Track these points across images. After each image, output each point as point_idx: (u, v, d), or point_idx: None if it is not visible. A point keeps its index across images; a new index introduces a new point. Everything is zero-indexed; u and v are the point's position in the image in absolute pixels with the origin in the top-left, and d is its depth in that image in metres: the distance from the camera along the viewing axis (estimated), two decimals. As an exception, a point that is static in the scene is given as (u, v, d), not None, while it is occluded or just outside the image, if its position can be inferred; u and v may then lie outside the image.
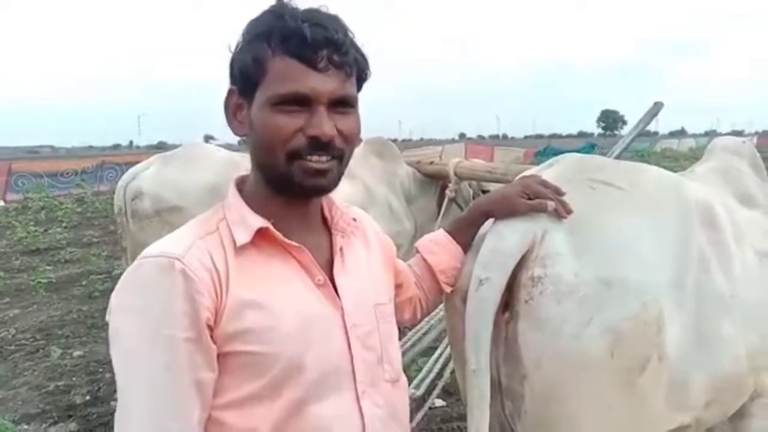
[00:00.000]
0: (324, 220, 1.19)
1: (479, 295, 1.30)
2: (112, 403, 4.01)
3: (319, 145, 1.03)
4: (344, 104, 1.06)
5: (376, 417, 1.08)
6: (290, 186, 1.06)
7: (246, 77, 1.04)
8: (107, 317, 1.02)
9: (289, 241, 1.06)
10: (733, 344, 1.57)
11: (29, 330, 5.64)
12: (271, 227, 1.05)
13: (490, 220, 1.41)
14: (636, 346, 1.30)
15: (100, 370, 4.65)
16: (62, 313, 6.14)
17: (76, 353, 4.99)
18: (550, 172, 1.55)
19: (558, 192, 1.37)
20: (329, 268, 1.12)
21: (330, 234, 1.17)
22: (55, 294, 6.86)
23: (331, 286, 1.10)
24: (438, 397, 3.46)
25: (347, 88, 1.05)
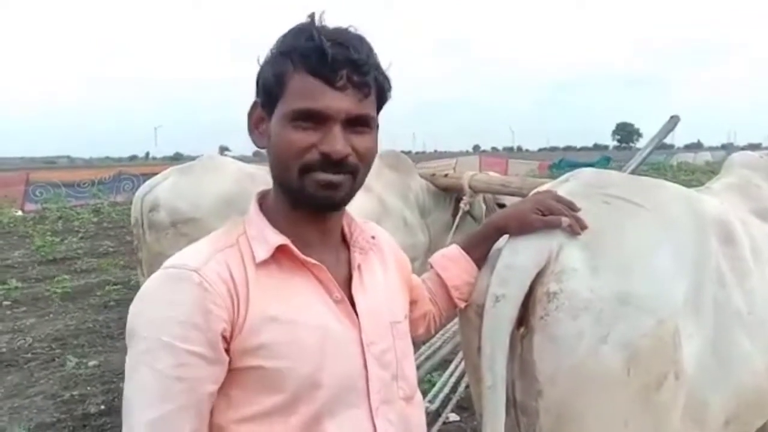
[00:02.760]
0: (343, 236, 1.19)
1: (495, 311, 1.30)
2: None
3: (330, 162, 1.04)
4: (360, 123, 1.06)
5: None
6: (303, 199, 1.08)
7: (268, 91, 1.06)
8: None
9: (307, 259, 1.07)
10: (751, 361, 1.55)
11: (45, 339, 5.69)
12: (290, 244, 1.06)
13: (505, 236, 1.41)
14: (652, 363, 1.29)
15: (115, 380, 4.68)
16: (78, 323, 6.19)
17: (91, 363, 5.03)
18: (565, 187, 1.55)
19: (572, 207, 1.37)
20: (347, 285, 1.13)
21: (348, 250, 1.18)
22: (71, 303, 6.92)
23: (348, 303, 1.10)
24: (452, 411, 3.44)
25: (364, 108, 1.06)
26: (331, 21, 1.07)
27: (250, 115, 1.13)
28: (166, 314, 0.97)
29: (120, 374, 4.74)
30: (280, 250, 1.06)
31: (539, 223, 1.33)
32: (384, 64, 1.10)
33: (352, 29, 1.07)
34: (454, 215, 3.78)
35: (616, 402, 1.28)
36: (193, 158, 3.85)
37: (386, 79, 1.10)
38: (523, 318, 1.32)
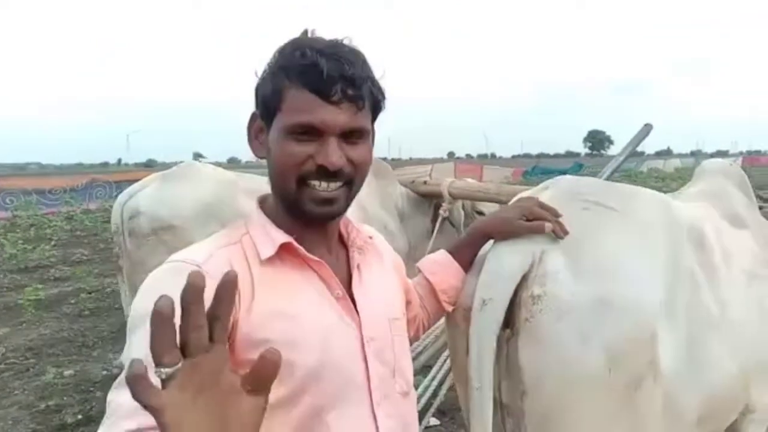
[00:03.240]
0: (340, 237, 1.23)
1: (483, 314, 1.34)
2: (106, 422, 4.00)
3: (327, 173, 1.08)
4: (356, 135, 1.10)
5: (388, 428, 1.12)
6: (300, 211, 1.11)
7: (266, 104, 1.10)
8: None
9: (310, 256, 1.11)
10: (723, 362, 1.62)
11: (19, 349, 5.59)
12: (295, 242, 1.10)
13: (491, 241, 1.45)
14: (632, 364, 1.34)
15: (92, 389, 4.63)
16: (52, 332, 6.09)
17: (67, 372, 4.95)
18: (546, 194, 1.60)
19: (555, 214, 1.42)
20: (347, 283, 1.17)
21: (347, 251, 1.22)
22: (44, 312, 6.79)
23: (349, 299, 1.14)
24: (433, 416, 3.48)
25: (359, 121, 1.10)
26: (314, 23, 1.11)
27: (250, 126, 1.16)
28: None
29: (97, 383, 4.72)
30: (284, 248, 1.10)
31: (524, 229, 1.38)
32: (377, 73, 1.14)
33: (346, 41, 1.11)
34: (434, 221, 3.84)
35: (598, 401, 1.33)
36: (166, 165, 3.85)
37: (380, 90, 1.14)
38: (509, 320, 1.36)
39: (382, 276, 1.26)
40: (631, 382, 1.34)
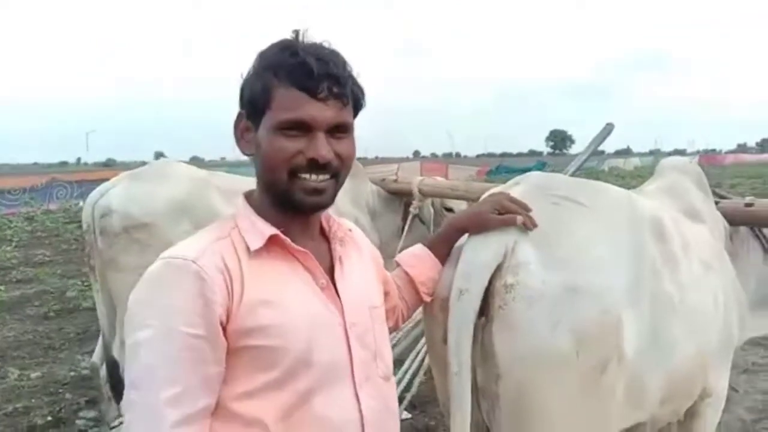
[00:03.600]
0: (321, 230, 1.29)
1: (460, 303, 1.42)
2: (77, 422, 3.97)
3: (317, 165, 1.14)
4: (341, 130, 1.17)
5: (371, 408, 1.18)
6: (290, 202, 1.17)
7: (254, 104, 1.15)
8: (125, 316, 1.09)
9: (296, 247, 1.17)
10: (683, 346, 1.72)
11: (-18, 351, 5.49)
12: (281, 234, 1.16)
13: (466, 235, 1.53)
14: (598, 348, 1.43)
15: (60, 390, 4.57)
16: (17, 334, 5.98)
17: (34, 375, 4.88)
18: (516, 189, 1.68)
19: (525, 207, 1.50)
20: (329, 273, 1.22)
21: (328, 242, 1.27)
22: (7, 314, 6.66)
23: (332, 289, 1.20)
24: (405, 409, 3.54)
25: (344, 116, 1.17)
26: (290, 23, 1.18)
27: (236, 125, 1.21)
28: (170, 302, 1.05)
29: (66, 384, 4.67)
30: (272, 240, 1.15)
31: (496, 222, 1.46)
32: (355, 73, 1.21)
33: (326, 44, 1.18)
34: (404, 219, 3.92)
35: (566, 383, 1.41)
36: (126, 164, 3.83)
37: (360, 89, 1.21)
38: (483, 308, 1.44)
39: (362, 267, 1.32)
40: (598, 364, 1.43)
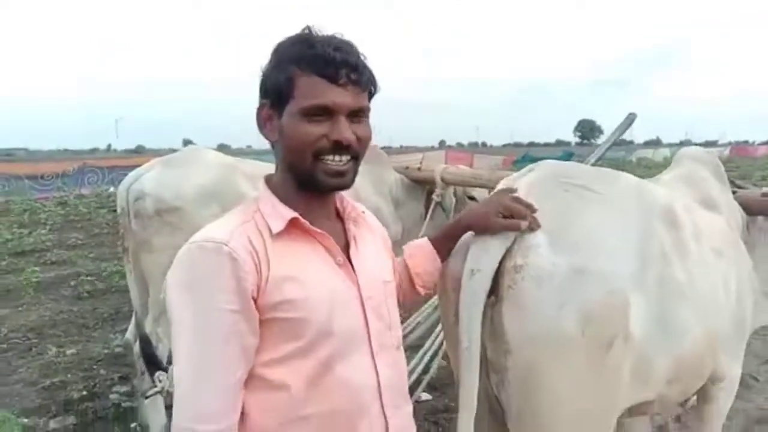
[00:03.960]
0: (337, 211, 1.39)
1: (472, 283, 1.51)
2: (111, 396, 4.15)
3: (340, 147, 1.24)
4: (359, 114, 1.27)
5: (386, 374, 1.29)
6: (314, 183, 1.27)
7: (278, 92, 1.25)
8: (161, 295, 1.20)
9: (315, 229, 1.27)
10: (690, 329, 1.78)
11: (20, 329, 5.71)
12: (301, 217, 1.26)
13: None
14: (603, 327, 1.50)
15: (95, 367, 4.77)
16: (52, 313, 6.22)
17: (69, 351, 5.08)
18: (529, 176, 1.76)
19: (531, 208, 1.55)
20: (345, 251, 1.32)
21: (342, 222, 1.37)
22: (43, 295, 6.92)
23: (349, 265, 1.30)
24: (424, 391, 3.64)
25: (362, 101, 1.27)
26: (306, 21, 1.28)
27: (259, 114, 1.31)
28: (208, 283, 1.16)
29: (100, 361, 4.87)
30: (292, 222, 1.25)
31: (500, 226, 1.52)
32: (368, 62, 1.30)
33: (339, 35, 1.27)
34: (427, 207, 3.99)
35: (572, 359, 1.49)
36: (155, 151, 3.96)
37: (373, 76, 1.30)
38: (493, 288, 1.52)
39: (374, 245, 1.42)
40: (604, 343, 1.50)
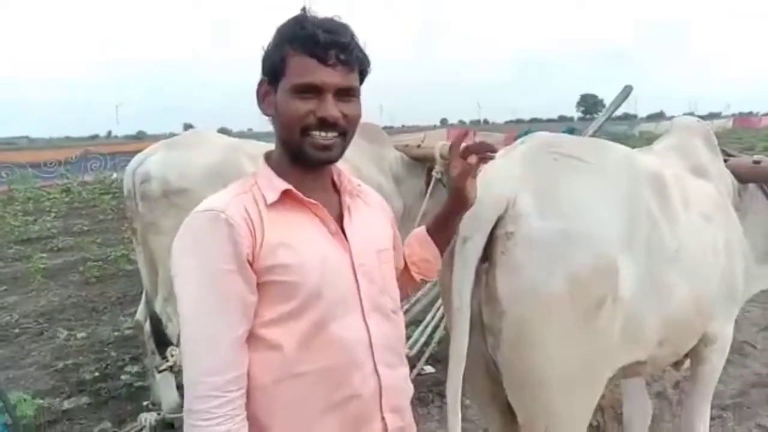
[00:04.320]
0: (334, 184, 1.46)
1: (464, 249, 1.60)
2: (123, 377, 4.26)
3: (326, 123, 1.30)
4: (348, 93, 1.33)
5: (378, 333, 1.36)
6: (303, 156, 1.34)
7: (273, 70, 1.32)
8: (170, 263, 1.28)
9: (307, 199, 1.34)
10: (679, 291, 1.86)
11: (31, 315, 5.84)
12: (294, 189, 1.33)
13: None
14: (592, 288, 1.58)
15: (105, 349, 4.89)
16: (61, 299, 6.34)
17: (80, 335, 5.20)
18: (521, 148, 1.83)
19: (488, 148, 1.50)
20: (339, 222, 1.40)
21: (339, 195, 1.45)
22: (51, 281, 7.04)
23: (341, 234, 1.38)
24: (427, 363, 3.73)
25: (350, 80, 1.33)
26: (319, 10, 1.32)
27: (258, 90, 1.38)
28: (207, 246, 1.25)
29: (110, 344, 4.98)
30: (286, 193, 1.33)
31: (472, 188, 1.51)
32: (361, 44, 1.36)
33: (337, 18, 1.34)
34: (427, 183, 4.05)
35: (563, 319, 1.57)
36: (156, 136, 4.01)
37: (366, 57, 1.36)
38: (487, 254, 1.60)
39: (370, 216, 1.49)
40: (593, 303, 1.59)
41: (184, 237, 1.29)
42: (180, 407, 3.50)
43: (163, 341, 3.30)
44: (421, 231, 1.64)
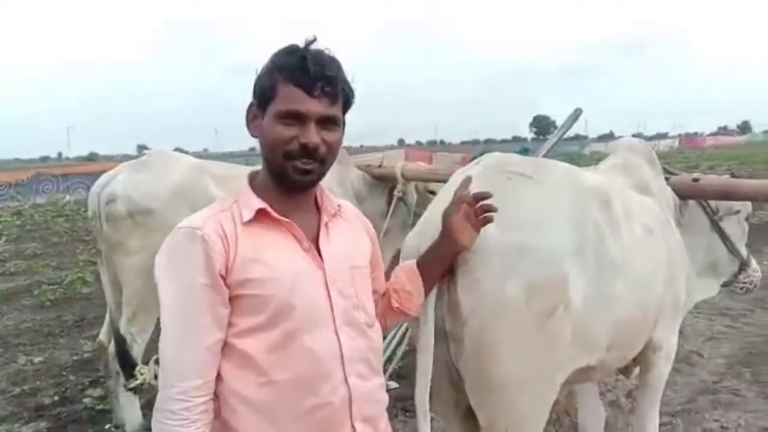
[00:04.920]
0: (316, 204, 1.55)
1: None
2: (84, 400, 4.21)
3: (307, 150, 1.40)
4: (330, 122, 1.43)
5: (350, 347, 1.44)
6: (284, 179, 1.44)
7: (262, 96, 1.42)
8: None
9: (281, 218, 1.43)
10: (625, 299, 2.01)
11: (-16, 340, 5.70)
12: (269, 208, 1.42)
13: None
14: (546, 297, 1.71)
15: (64, 373, 4.80)
16: (16, 323, 6.19)
17: (37, 359, 5.09)
18: (476, 168, 1.96)
19: (486, 195, 1.63)
20: (316, 239, 1.48)
21: (319, 215, 1.53)
22: (5, 305, 6.87)
23: (315, 252, 1.46)
24: (391, 379, 3.80)
25: (333, 111, 1.43)
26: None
27: (248, 112, 1.48)
28: (184, 260, 1.36)
29: (68, 368, 4.91)
30: (261, 212, 1.42)
31: (472, 235, 1.66)
32: (349, 77, 1.47)
33: (327, 51, 1.44)
34: (389, 202, 4.17)
35: (519, 325, 1.70)
36: (109, 157, 4.01)
37: (351, 90, 1.47)
38: (450, 268, 1.71)
39: (348, 234, 1.57)
40: (546, 311, 1.71)
41: (164, 252, 1.39)
42: (143, 429, 3.51)
43: (128, 362, 3.31)
44: (411, 264, 1.72)
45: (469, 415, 1.91)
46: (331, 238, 1.50)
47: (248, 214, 1.41)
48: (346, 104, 1.48)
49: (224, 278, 1.35)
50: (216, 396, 1.37)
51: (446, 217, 1.67)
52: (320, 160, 1.43)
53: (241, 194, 1.47)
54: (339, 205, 1.58)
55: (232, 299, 1.37)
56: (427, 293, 1.70)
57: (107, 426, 3.83)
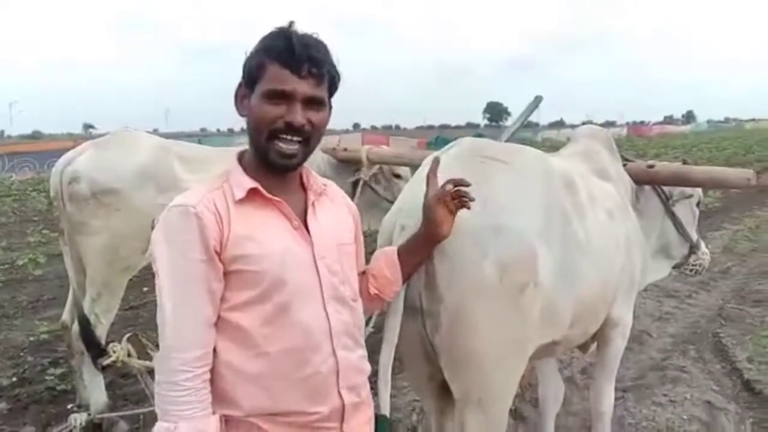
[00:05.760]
0: (302, 183, 1.59)
1: (401, 237, 1.81)
2: (46, 378, 4.16)
3: (292, 128, 1.44)
4: (315, 102, 1.47)
5: (337, 320, 1.50)
6: (267, 161, 1.48)
7: (251, 75, 1.46)
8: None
9: (271, 197, 1.48)
10: (588, 278, 2.12)
11: (-66, 323, 5.53)
12: (260, 187, 1.47)
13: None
14: (517, 274, 1.80)
15: (21, 354, 4.73)
16: (-33, 305, 6.03)
17: (-8, 341, 5.00)
18: (451, 152, 2.03)
19: (464, 182, 1.70)
20: (304, 217, 1.54)
21: (306, 193, 1.58)
22: (-46, 287, 6.67)
23: (304, 229, 1.51)
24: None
25: (319, 92, 1.47)
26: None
27: (237, 92, 1.51)
28: (179, 237, 1.40)
29: (25, 349, 4.84)
30: (253, 191, 1.46)
31: (449, 230, 1.72)
32: (335, 61, 1.51)
33: (315, 35, 1.48)
34: (354, 185, 4.22)
35: (493, 301, 1.78)
36: (54, 136, 3.93)
37: (337, 72, 1.51)
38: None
39: (333, 212, 1.62)
40: (517, 288, 1.80)
41: (159, 229, 1.42)
42: (108, 408, 3.50)
43: (92, 342, 3.29)
44: (391, 250, 1.77)
45: (442, 389, 2.00)
46: (319, 216, 1.56)
47: (240, 193, 1.45)
48: (332, 87, 1.52)
49: (218, 254, 1.40)
50: (210, 370, 1.42)
51: (428, 208, 1.72)
52: (305, 139, 1.47)
53: (232, 173, 1.50)
54: (324, 185, 1.63)
55: (225, 275, 1.41)
56: (405, 281, 1.76)
57: (69, 406, 3.81)
